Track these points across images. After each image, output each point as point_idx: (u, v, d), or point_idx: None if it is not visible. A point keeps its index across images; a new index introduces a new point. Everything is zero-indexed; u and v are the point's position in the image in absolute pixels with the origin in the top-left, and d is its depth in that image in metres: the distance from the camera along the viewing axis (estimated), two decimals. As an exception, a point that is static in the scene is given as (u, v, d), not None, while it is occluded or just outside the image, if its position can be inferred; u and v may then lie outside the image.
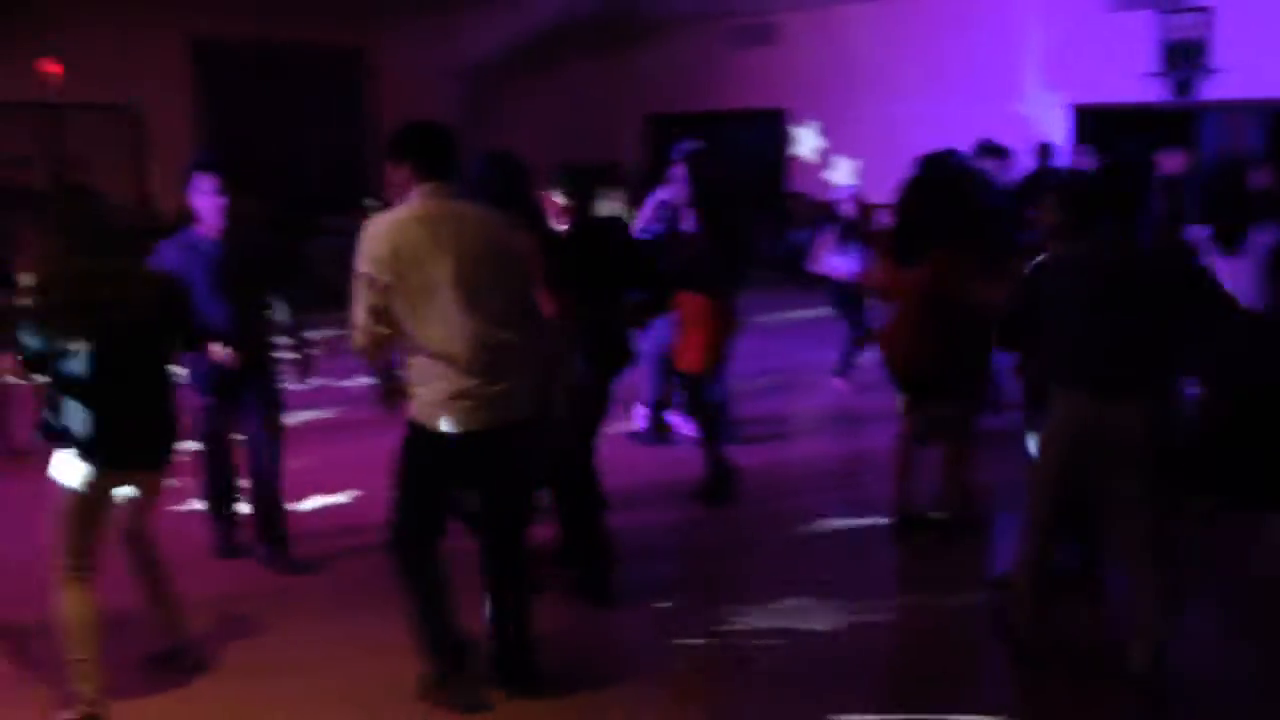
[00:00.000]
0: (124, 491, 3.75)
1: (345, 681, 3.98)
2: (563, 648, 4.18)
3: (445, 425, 3.56)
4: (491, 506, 3.80)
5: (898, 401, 5.32)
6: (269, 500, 4.99)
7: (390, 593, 3.83)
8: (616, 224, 5.18)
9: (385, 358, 3.77)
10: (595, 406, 4.67)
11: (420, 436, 3.62)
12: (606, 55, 15.61)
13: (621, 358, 4.79)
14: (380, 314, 3.51)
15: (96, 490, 3.62)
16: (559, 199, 4.71)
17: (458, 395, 3.55)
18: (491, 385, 3.57)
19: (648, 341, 6.36)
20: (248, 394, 4.84)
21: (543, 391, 3.94)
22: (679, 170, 5.86)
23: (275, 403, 4.97)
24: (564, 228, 4.69)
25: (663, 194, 6.56)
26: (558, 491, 4.70)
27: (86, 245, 3.58)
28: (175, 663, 4.00)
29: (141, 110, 13.31)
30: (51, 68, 12.88)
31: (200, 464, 5.03)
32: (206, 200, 4.71)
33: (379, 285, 3.48)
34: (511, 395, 3.63)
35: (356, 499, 5.94)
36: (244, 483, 5.04)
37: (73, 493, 3.59)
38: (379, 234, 3.51)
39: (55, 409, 3.58)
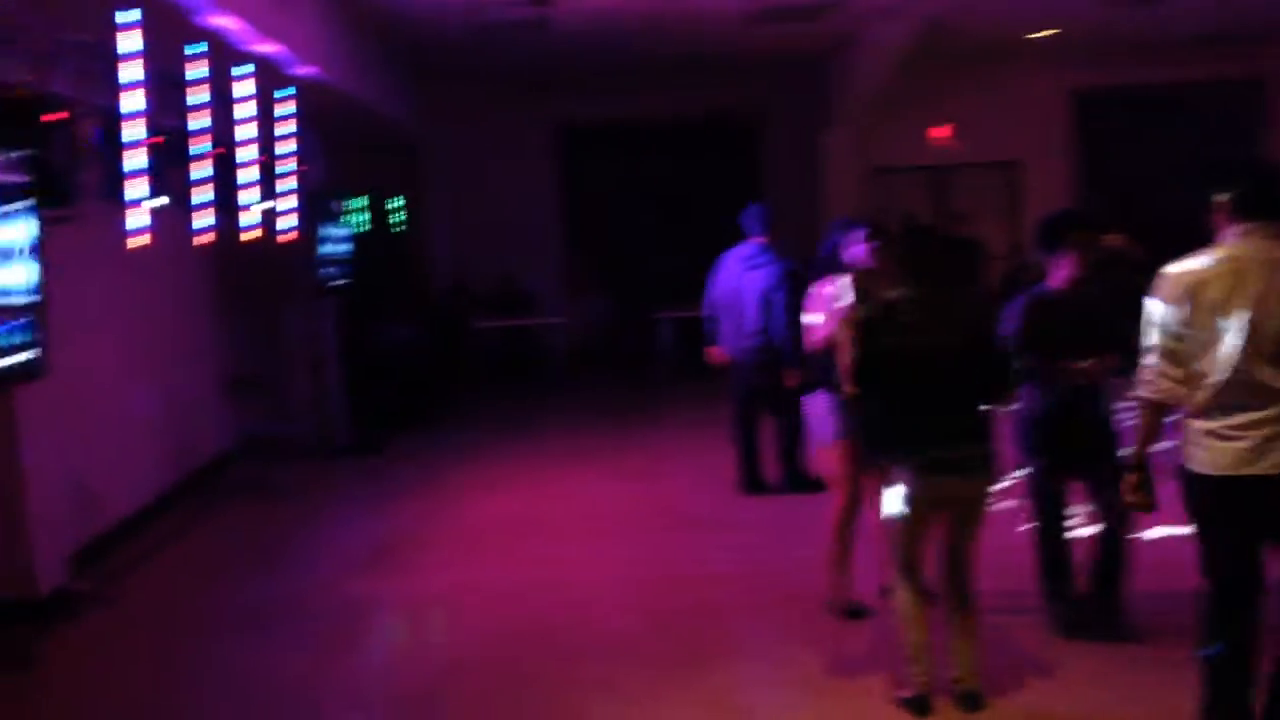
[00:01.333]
0: (937, 505, 4.10)
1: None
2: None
3: (1238, 468, 3.35)
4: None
5: None
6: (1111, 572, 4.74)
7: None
8: None
9: (1178, 404, 3.62)
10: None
11: (1207, 484, 3.45)
12: None
13: None
14: (1174, 358, 3.43)
15: (916, 503, 4.05)
16: None
17: (1246, 438, 3.32)
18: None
19: None
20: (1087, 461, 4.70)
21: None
22: None
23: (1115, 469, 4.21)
24: None
25: None
26: None
27: (913, 275, 4.13)
28: (955, 689, 4.17)
29: (1022, 165, 14.01)
30: (940, 133, 14.24)
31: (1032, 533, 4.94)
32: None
33: (1172, 331, 3.42)
34: None
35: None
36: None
37: (898, 506, 4.08)
38: (1177, 277, 3.45)
39: (866, 421, 4.13)
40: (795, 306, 6.53)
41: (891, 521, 4.18)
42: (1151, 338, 3.49)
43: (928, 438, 4.02)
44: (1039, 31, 12.06)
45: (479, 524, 7.12)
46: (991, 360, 4.16)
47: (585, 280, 14.49)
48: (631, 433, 9.77)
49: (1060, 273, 4.76)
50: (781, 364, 6.86)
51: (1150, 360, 3.50)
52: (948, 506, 4.12)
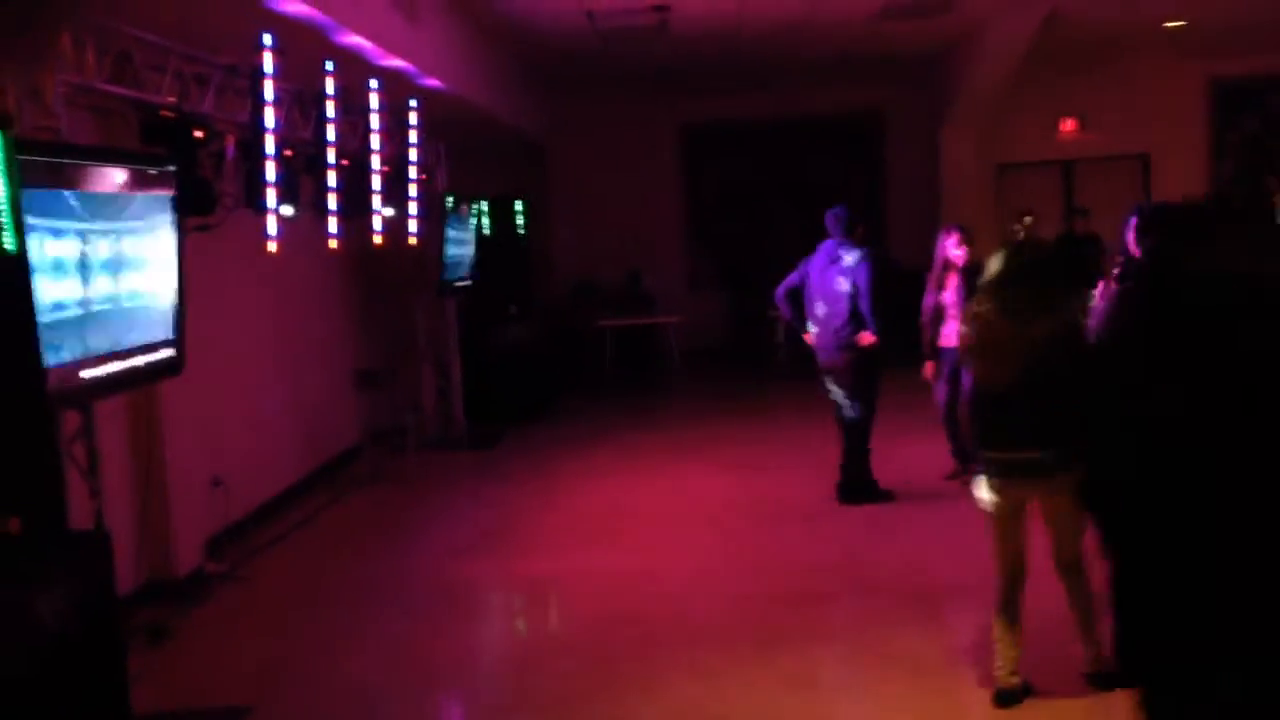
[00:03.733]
0: (1014, 508, 4.15)
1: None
2: None
3: None
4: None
5: None
6: None
7: None
8: None
9: None
10: None
11: None
12: None
13: None
14: None
15: (1001, 504, 4.14)
16: None
17: None
18: None
19: None
20: None
21: None
22: None
23: None
24: None
25: None
26: None
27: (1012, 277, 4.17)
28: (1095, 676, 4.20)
29: (1151, 158, 13.69)
30: (1068, 126, 14.00)
31: None
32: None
33: None
34: None
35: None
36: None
37: (989, 507, 4.18)
38: None
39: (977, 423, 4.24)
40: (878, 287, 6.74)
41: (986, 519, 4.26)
42: None
43: (996, 440, 4.12)
44: (1167, 21, 11.77)
45: (586, 513, 7.45)
46: (1073, 360, 3.94)
47: (706, 279, 14.73)
48: (741, 428, 10.00)
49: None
50: (870, 363, 6.98)
51: None
52: (1025, 509, 4.17)
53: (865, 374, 7.01)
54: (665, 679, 4.68)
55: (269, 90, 5.89)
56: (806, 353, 7.33)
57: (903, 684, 4.49)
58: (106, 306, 4.49)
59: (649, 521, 7.19)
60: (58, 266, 4.14)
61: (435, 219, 9.28)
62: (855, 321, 6.92)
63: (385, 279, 9.73)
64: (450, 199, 9.74)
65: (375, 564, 6.59)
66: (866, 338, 6.84)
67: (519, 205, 12.19)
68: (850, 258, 6.97)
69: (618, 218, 14.16)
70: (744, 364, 13.41)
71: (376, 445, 9.21)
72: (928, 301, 7.18)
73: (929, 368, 7.23)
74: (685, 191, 14.85)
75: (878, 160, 14.67)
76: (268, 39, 5.82)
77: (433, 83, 8.21)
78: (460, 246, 10.01)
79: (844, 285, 6.95)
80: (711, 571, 6.10)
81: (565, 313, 13.48)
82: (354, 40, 6.50)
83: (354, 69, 7.01)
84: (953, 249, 7.11)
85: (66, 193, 4.21)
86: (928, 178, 13.60)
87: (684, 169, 14.82)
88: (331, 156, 6.83)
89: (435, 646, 5.25)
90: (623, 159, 14.21)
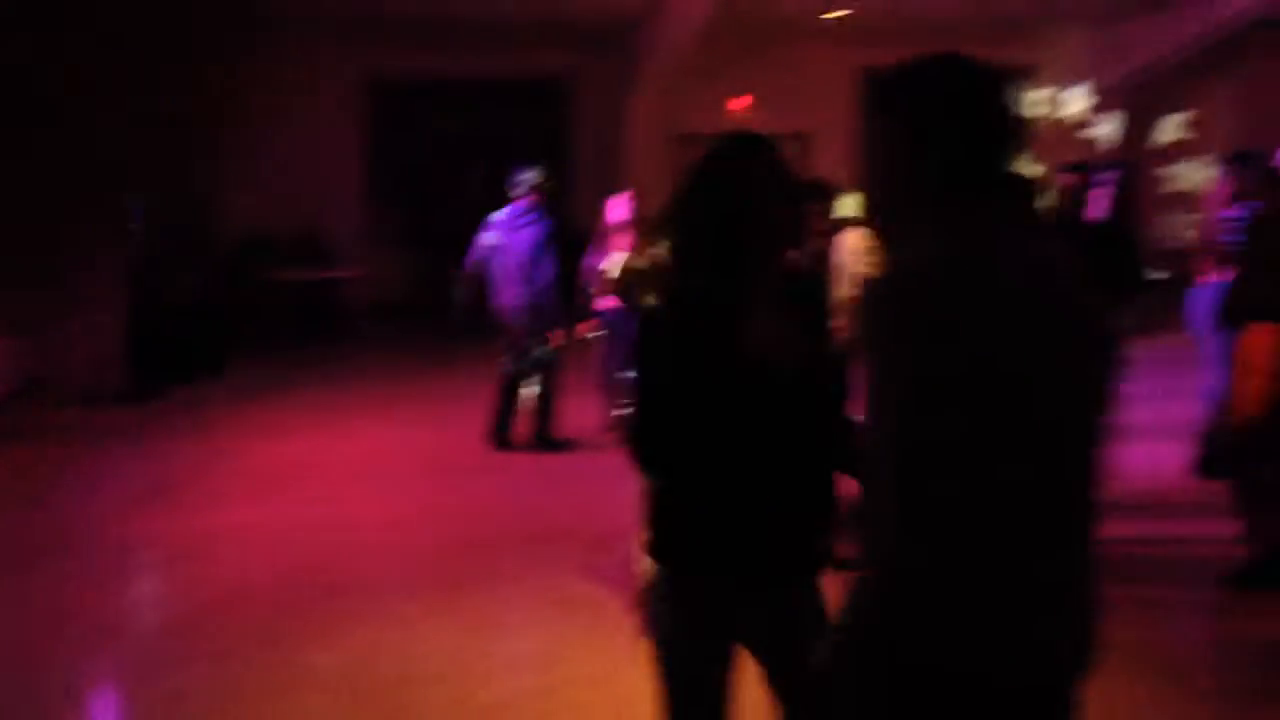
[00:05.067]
0: None
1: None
2: None
3: None
4: None
5: None
6: None
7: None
8: None
9: None
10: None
11: None
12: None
13: None
14: None
15: None
16: None
17: None
18: None
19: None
20: None
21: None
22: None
23: None
24: None
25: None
26: None
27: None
28: None
29: (812, 138, 14.77)
30: (739, 104, 14.84)
31: None
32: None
33: None
34: None
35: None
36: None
37: None
38: None
39: None
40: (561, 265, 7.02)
41: None
42: None
43: None
44: (831, 12, 12.74)
45: (264, 467, 7.26)
46: None
47: (390, 235, 14.51)
48: (421, 384, 10.05)
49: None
50: (546, 324, 7.24)
51: None
52: None
53: (540, 334, 7.25)
54: (350, 626, 4.68)
55: None
56: (488, 311, 7.48)
57: (576, 621, 4.72)
58: None
59: (330, 476, 7.10)
60: None
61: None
62: (535, 283, 7.12)
63: (56, 227, 8.94)
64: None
65: (29, 523, 6.13)
66: (557, 339, 7.15)
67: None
68: (533, 220, 7.16)
69: (298, 170, 13.65)
70: (427, 321, 13.33)
71: (27, 398, 8.50)
72: (590, 263, 7.47)
73: (584, 327, 7.55)
74: (370, 146, 14.53)
75: (566, 124, 14.95)
76: None
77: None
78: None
79: (526, 247, 7.13)
80: (395, 522, 6.13)
81: (238, 265, 12.88)
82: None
83: None
84: (620, 213, 7.41)
85: None
86: (613, 145, 14.03)
87: (370, 123, 14.49)
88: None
89: (103, 604, 4.99)
90: (304, 110, 13.69)
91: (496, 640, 4.64)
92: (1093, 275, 1.83)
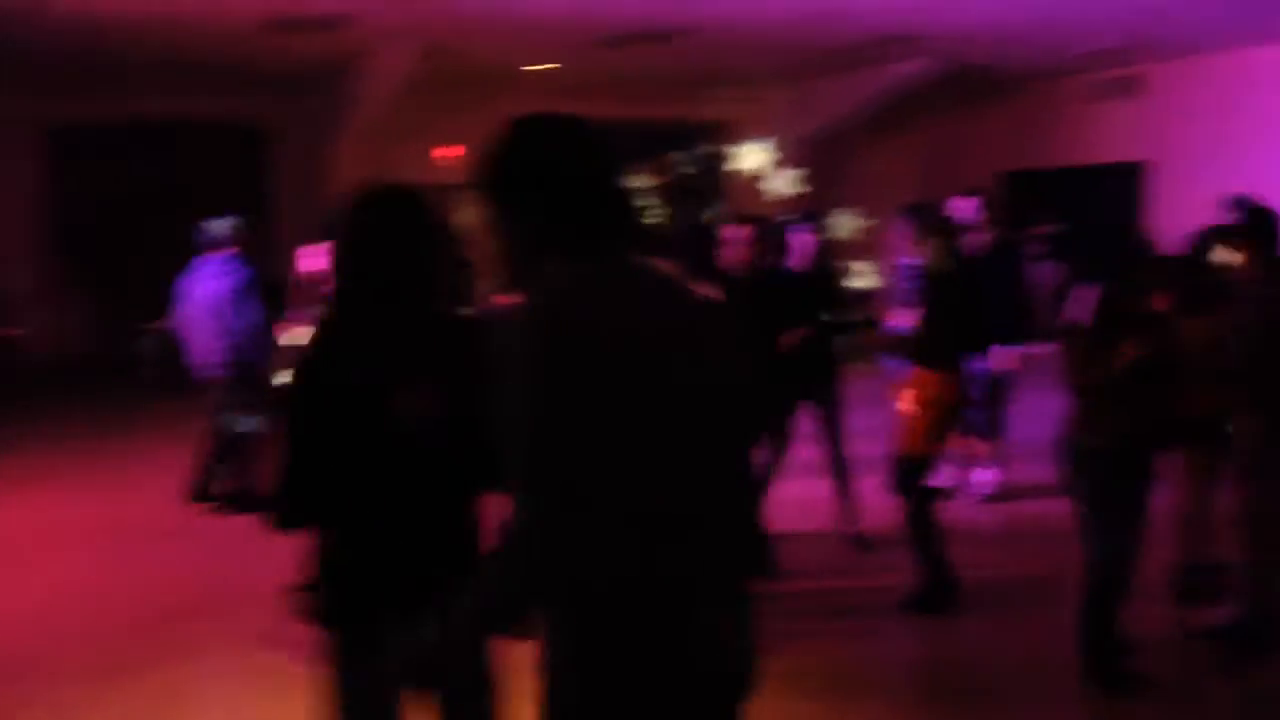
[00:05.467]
0: None
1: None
2: None
3: None
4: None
5: None
6: None
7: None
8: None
9: None
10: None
11: None
12: (956, 115, 15.49)
13: None
14: None
15: None
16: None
17: None
18: None
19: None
20: None
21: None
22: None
23: None
24: None
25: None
26: None
27: None
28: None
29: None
30: (447, 153, 14.82)
31: None
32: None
33: None
34: None
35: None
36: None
37: None
38: None
39: None
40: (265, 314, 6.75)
41: None
42: None
43: None
44: (536, 65, 12.96)
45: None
46: None
47: (71, 286, 13.50)
48: (101, 445, 9.43)
49: None
50: (250, 370, 6.93)
51: None
52: None
53: (247, 387, 6.93)
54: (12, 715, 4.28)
55: None
56: (178, 367, 7.10)
57: (264, 695, 4.51)
58: None
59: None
60: None
61: None
62: (235, 333, 6.83)
63: None
64: None
65: None
66: (248, 344, 6.80)
67: None
68: (230, 271, 6.88)
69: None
70: (111, 377, 12.45)
71: None
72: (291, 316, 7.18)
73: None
74: (49, 192, 13.52)
75: (268, 172, 14.43)
76: None
77: None
78: None
79: (222, 297, 6.84)
80: (71, 598, 5.65)
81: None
82: None
83: None
84: (315, 263, 7.09)
85: None
86: (318, 193, 13.64)
87: (47, 172, 13.49)
88: None
89: None
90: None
91: (178, 717, 4.35)
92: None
